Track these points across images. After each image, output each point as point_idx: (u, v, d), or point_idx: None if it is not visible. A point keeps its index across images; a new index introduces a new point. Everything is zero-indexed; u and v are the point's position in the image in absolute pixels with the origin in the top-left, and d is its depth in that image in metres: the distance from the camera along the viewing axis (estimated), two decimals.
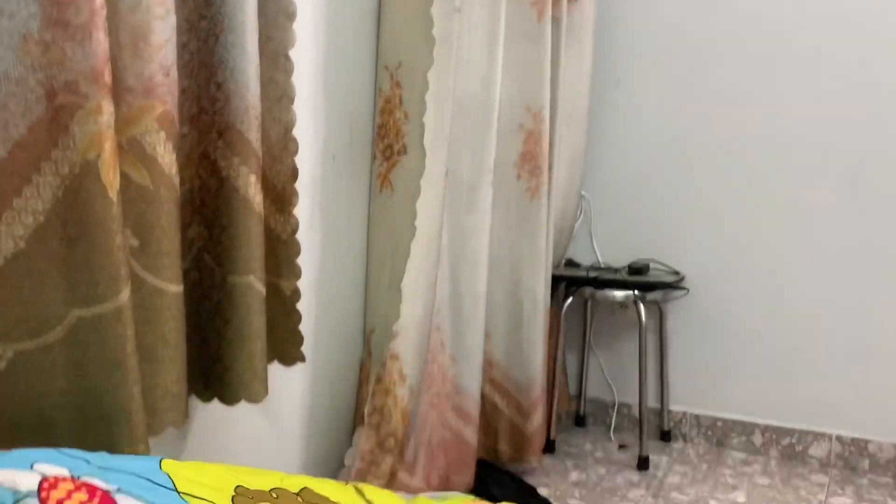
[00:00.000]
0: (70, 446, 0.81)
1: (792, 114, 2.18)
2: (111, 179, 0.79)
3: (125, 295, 0.81)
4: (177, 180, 0.92)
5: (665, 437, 2.41)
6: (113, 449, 0.81)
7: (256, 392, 1.07)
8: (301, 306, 1.27)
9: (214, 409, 1.30)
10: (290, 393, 1.53)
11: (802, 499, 1.99)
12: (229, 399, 1.07)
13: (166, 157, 0.90)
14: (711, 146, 2.30)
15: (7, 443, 0.79)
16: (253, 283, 1.04)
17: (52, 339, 0.79)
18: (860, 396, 2.14)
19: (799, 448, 2.23)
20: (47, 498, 0.60)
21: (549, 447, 2.33)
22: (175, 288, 0.93)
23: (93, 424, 0.81)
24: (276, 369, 1.46)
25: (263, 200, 1.16)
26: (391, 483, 1.71)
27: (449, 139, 1.65)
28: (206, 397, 1.12)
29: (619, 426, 2.51)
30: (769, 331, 2.25)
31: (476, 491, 1.97)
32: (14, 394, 0.78)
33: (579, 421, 2.56)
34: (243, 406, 1.38)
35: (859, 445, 2.15)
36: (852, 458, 2.16)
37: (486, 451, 2.15)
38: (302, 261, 1.27)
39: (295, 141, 1.17)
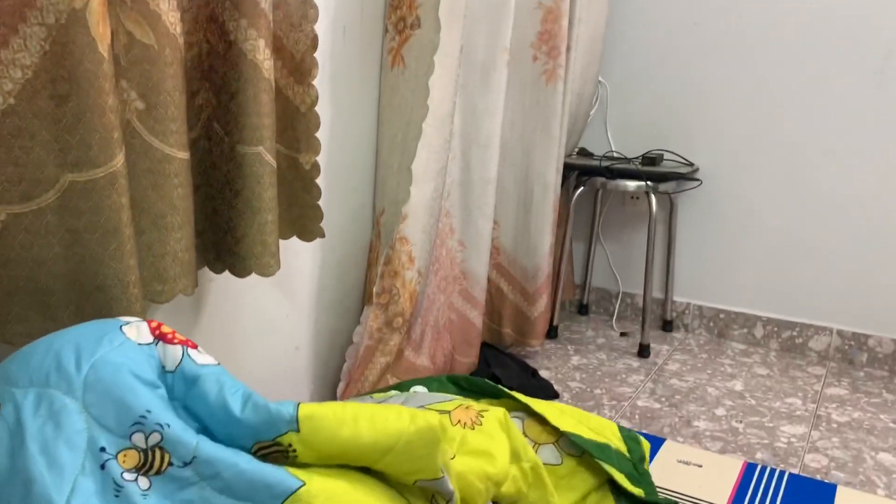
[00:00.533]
0: (66, 316, 0.81)
1: (820, 1, 2.08)
2: (101, 32, 0.75)
3: (119, 161, 0.79)
4: (182, 41, 0.88)
5: (667, 326, 2.44)
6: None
7: (267, 265, 1.07)
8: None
9: (227, 281, 1.31)
10: (301, 270, 1.53)
11: (799, 388, 2.04)
12: (240, 271, 1.07)
13: (170, 15, 0.86)
14: (733, 33, 2.20)
15: (6, 311, 0.79)
16: (262, 154, 1.02)
17: (45, 203, 0.77)
18: (864, 292, 2.15)
19: (799, 341, 2.26)
20: None
21: (552, 333, 2.37)
22: (182, 154, 0.90)
23: (89, 295, 0.81)
24: (287, 243, 1.46)
25: (281, 71, 1.11)
26: (398, 360, 1.74)
27: (465, 13, 1.57)
28: (217, 269, 1.12)
29: (621, 315, 2.55)
30: (778, 224, 2.23)
31: (479, 372, 2.02)
32: (8, 259, 0.77)
33: (582, 309, 2.60)
34: (255, 280, 1.39)
35: (859, 340, 2.18)
36: (851, 352, 2.19)
37: (490, 334, 2.19)
38: None
39: (315, 8, 1.12)
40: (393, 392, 1.32)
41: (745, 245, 2.30)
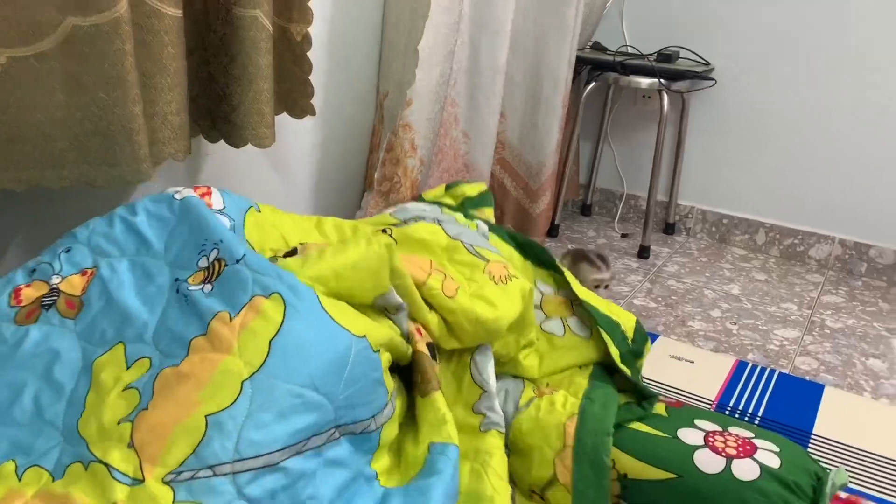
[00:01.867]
0: (68, 164, 0.79)
1: None
2: None
3: (123, 6, 0.75)
4: None
5: (669, 229, 2.43)
6: (114, 167, 0.80)
7: (263, 136, 1.04)
8: (312, 57, 1.20)
9: (225, 157, 1.29)
10: (301, 148, 1.51)
11: (795, 294, 2.04)
12: (236, 140, 1.04)
13: None
14: None
15: (6, 157, 0.77)
16: (259, 17, 0.97)
17: (47, 47, 0.74)
18: (869, 202, 2.13)
19: (800, 249, 2.25)
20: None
21: (553, 231, 2.36)
22: (174, 11, 0.86)
23: (94, 142, 0.79)
24: (287, 122, 1.43)
25: None
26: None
27: None
28: (212, 137, 1.09)
29: (624, 217, 2.53)
30: (789, 131, 2.18)
31: None
32: (10, 104, 0.75)
33: (585, 210, 2.58)
34: (255, 153, 1.36)
35: (860, 250, 2.17)
36: (851, 262, 2.19)
37: None
38: (314, 6, 1.18)
39: None
40: (459, 217, 1.35)
41: (753, 150, 2.25)
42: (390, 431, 0.81)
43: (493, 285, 1.06)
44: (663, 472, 0.91)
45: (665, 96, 2.08)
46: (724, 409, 1.31)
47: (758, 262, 2.26)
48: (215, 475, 0.63)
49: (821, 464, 0.96)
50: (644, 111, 2.40)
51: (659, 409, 1.01)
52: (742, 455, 0.91)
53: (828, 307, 1.98)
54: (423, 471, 0.78)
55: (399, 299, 0.91)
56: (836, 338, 1.81)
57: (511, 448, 0.99)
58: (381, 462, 0.78)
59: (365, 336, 0.76)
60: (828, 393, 1.38)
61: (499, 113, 1.93)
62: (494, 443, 0.92)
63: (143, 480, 0.62)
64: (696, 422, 0.98)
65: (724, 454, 0.91)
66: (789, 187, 2.23)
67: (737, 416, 1.29)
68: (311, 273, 0.81)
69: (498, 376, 1.08)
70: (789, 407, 1.33)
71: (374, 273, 0.85)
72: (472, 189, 1.61)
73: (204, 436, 0.63)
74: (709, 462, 0.90)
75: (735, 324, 1.85)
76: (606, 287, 1.15)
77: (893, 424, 1.29)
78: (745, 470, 0.89)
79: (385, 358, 0.80)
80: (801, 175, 2.20)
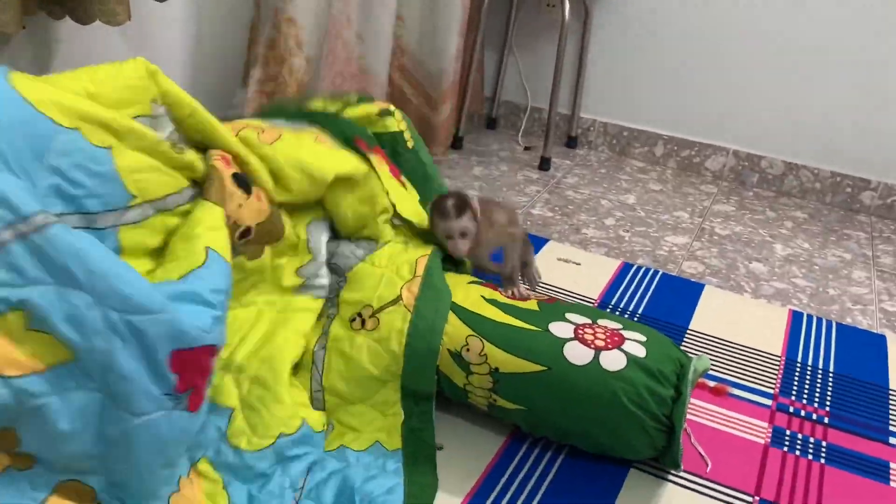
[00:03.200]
0: None
1: None
2: None
3: None
4: None
5: (571, 143, 2.43)
6: None
7: (113, 12, 0.95)
8: None
9: (82, 37, 1.17)
10: (170, 44, 1.40)
11: (688, 203, 2.08)
12: (81, 15, 0.95)
13: None
14: None
15: None
16: None
17: None
18: (762, 113, 2.17)
19: (696, 160, 2.29)
20: None
21: (457, 144, 2.32)
22: None
23: None
24: (151, 12, 1.32)
25: None
26: None
27: None
28: (56, 14, 0.99)
29: (528, 131, 2.51)
30: (689, 43, 2.18)
31: None
32: None
33: (491, 123, 2.54)
34: (113, 46, 1.25)
35: (753, 160, 2.22)
36: (744, 173, 2.24)
37: None
38: None
39: None
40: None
41: (653, 62, 2.25)
42: (149, 239, 0.83)
43: (321, 145, 1.09)
44: (534, 364, 0.91)
45: (567, 3, 2.04)
46: (605, 307, 1.33)
47: (655, 173, 2.29)
48: None
49: (688, 354, 0.98)
50: (548, 20, 2.36)
51: (531, 304, 1.01)
52: (610, 346, 0.91)
53: (718, 215, 2.03)
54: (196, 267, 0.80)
55: (168, 124, 0.91)
56: (723, 244, 1.86)
57: (357, 275, 1.06)
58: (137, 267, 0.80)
59: (78, 129, 0.74)
60: (707, 291, 1.42)
61: (395, 14, 1.85)
62: (307, 305, 1.02)
63: None
64: (568, 315, 0.98)
65: (592, 346, 0.91)
66: (687, 99, 2.25)
67: (617, 313, 1.31)
68: (66, 84, 0.78)
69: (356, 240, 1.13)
70: (669, 305, 1.36)
71: (130, 89, 0.83)
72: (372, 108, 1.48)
73: None
74: (578, 354, 0.91)
75: (627, 231, 1.88)
76: (463, 237, 1.03)
77: (764, 320, 1.34)
78: (612, 360, 0.90)
79: (131, 158, 0.79)
80: (698, 87, 2.22)
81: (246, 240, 0.97)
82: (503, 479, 0.92)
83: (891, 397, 1.15)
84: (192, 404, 0.72)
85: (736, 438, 1.03)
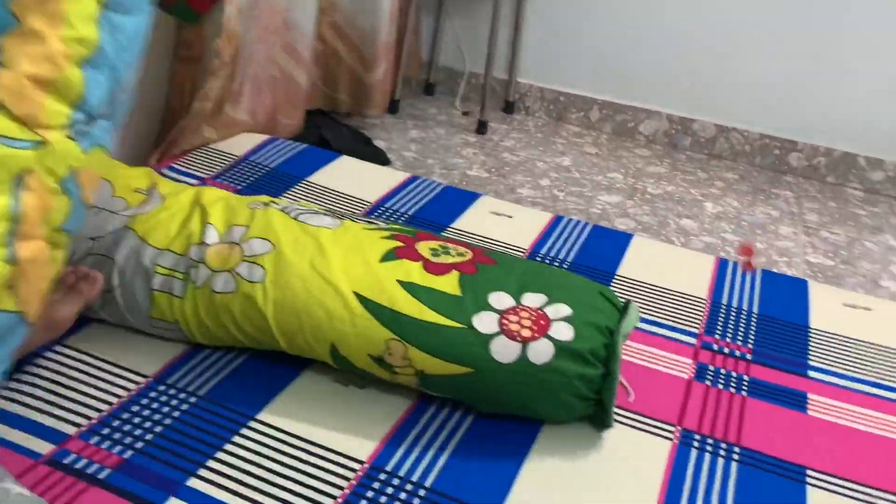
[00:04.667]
0: None
1: None
2: None
3: None
4: None
5: (509, 108, 2.42)
6: None
7: None
8: None
9: None
10: None
11: (622, 166, 2.10)
12: None
13: None
14: None
15: None
16: None
17: None
18: (694, 77, 2.19)
19: (631, 125, 2.31)
20: None
21: (394, 108, 2.29)
22: None
23: None
24: None
25: None
26: (216, 113, 1.61)
27: None
28: None
29: (466, 96, 2.49)
30: (627, 9, 2.19)
31: (306, 137, 1.92)
32: None
33: (429, 89, 2.52)
34: None
35: (685, 124, 2.25)
36: (677, 136, 2.27)
37: (325, 100, 2.08)
38: None
39: None
40: None
41: (590, 27, 2.25)
42: None
43: None
44: (460, 367, 0.87)
45: None
46: (535, 256, 1.32)
47: (590, 137, 2.30)
48: None
49: (617, 300, 0.97)
50: None
51: (451, 282, 0.94)
52: (537, 334, 0.88)
53: (651, 176, 2.05)
54: None
55: None
56: (655, 202, 1.88)
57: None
58: None
59: None
60: (635, 241, 1.42)
61: None
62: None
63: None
64: (491, 299, 0.92)
65: (519, 338, 0.87)
66: (622, 64, 2.26)
67: (547, 262, 1.31)
68: None
69: None
70: (598, 254, 1.36)
71: None
72: None
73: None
74: (505, 351, 0.87)
75: (562, 191, 1.88)
76: None
77: (691, 267, 1.35)
78: (541, 352, 0.86)
79: None
80: (633, 53, 2.23)
81: None
82: (422, 421, 0.90)
83: (810, 335, 1.17)
84: None
85: (660, 374, 1.04)
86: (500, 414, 0.92)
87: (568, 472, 0.86)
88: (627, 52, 2.23)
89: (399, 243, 1.01)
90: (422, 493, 0.80)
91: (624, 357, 1.06)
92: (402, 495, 0.80)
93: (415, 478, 0.82)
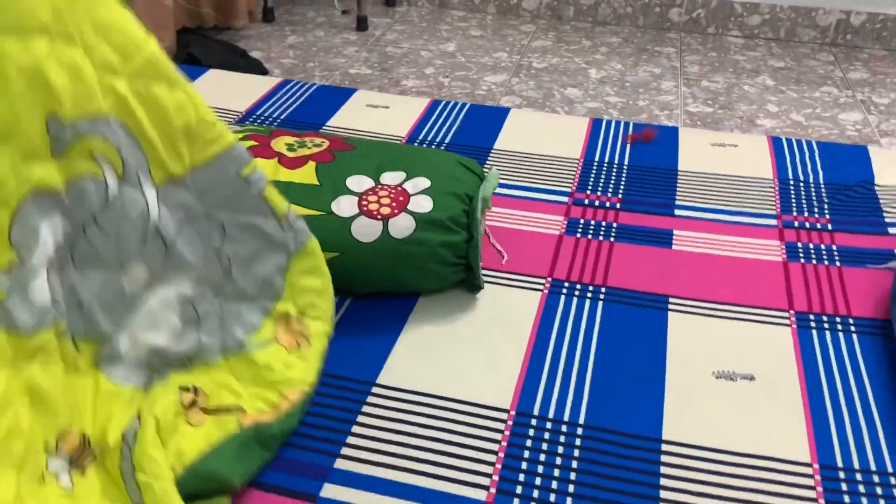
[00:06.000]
0: None
1: None
2: None
3: None
4: None
5: (390, 1, 2.35)
6: None
7: None
8: None
9: None
10: None
11: (508, 45, 2.08)
12: None
13: None
14: None
15: None
16: None
17: None
18: None
19: (514, 2, 2.27)
20: None
21: (268, 16, 2.20)
22: None
23: None
24: None
25: None
26: None
27: None
28: None
29: None
30: None
31: (177, 57, 1.85)
32: None
33: None
34: None
35: None
36: (560, 7, 2.25)
37: (190, 17, 1.98)
38: None
39: None
40: None
41: None
42: None
43: None
44: (326, 252, 0.87)
45: None
46: (412, 143, 1.32)
47: (475, 20, 2.26)
48: None
49: (477, 167, 0.98)
50: None
51: (309, 173, 0.93)
52: (396, 210, 0.89)
53: (536, 51, 2.04)
54: None
55: None
56: (540, 76, 1.88)
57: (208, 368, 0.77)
58: None
59: None
60: (512, 114, 1.43)
61: None
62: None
63: None
64: (349, 182, 0.92)
65: (379, 216, 0.88)
66: None
67: (425, 146, 1.31)
68: None
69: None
70: (475, 132, 1.36)
71: None
72: None
73: None
74: (366, 231, 0.87)
75: (447, 77, 1.86)
76: None
77: (566, 131, 1.37)
78: (401, 227, 0.87)
79: None
80: None
81: None
82: None
83: (678, 177, 1.21)
84: None
85: (533, 234, 1.07)
86: (378, 293, 0.94)
87: (442, 335, 0.89)
88: None
89: (253, 142, 1.00)
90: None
91: (497, 223, 1.09)
92: None
93: None
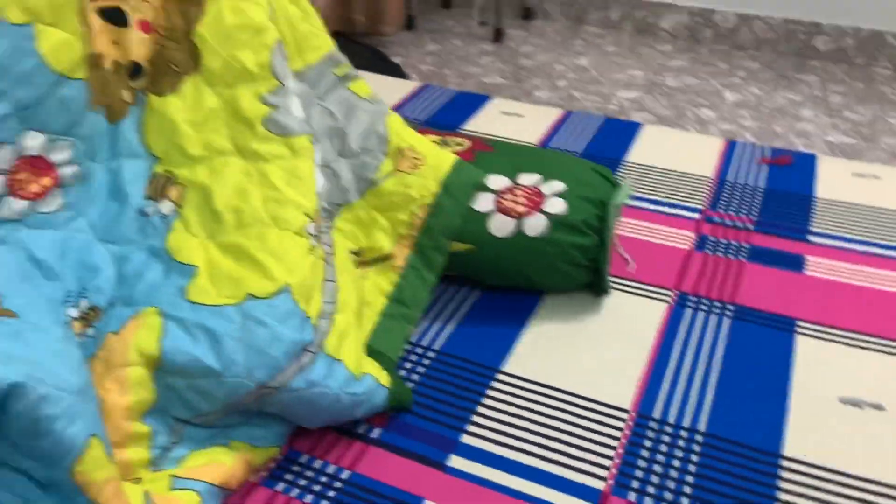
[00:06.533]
0: None
1: None
2: None
3: None
4: None
5: (527, 14, 2.41)
6: None
7: None
8: None
9: None
10: None
11: (643, 62, 2.09)
12: None
13: None
14: None
15: None
16: None
17: None
18: None
19: (651, 21, 2.28)
20: None
21: (410, 24, 2.31)
22: None
23: None
24: None
25: None
26: None
27: None
28: None
29: (484, 6, 2.48)
30: None
31: None
32: None
33: (446, 2, 2.51)
34: None
35: (706, 16, 2.21)
36: (698, 29, 2.23)
37: (341, 22, 2.11)
38: None
39: None
40: None
41: None
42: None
43: None
44: (460, 244, 0.93)
45: None
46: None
47: (611, 37, 2.28)
48: None
49: (610, 174, 1.01)
50: None
51: (444, 164, 0.97)
52: (532, 210, 0.93)
53: (671, 70, 2.04)
54: None
55: None
56: (674, 95, 1.88)
57: (352, 209, 0.96)
58: None
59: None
60: (645, 129, 1.44)
61: None
62: (276, 150, 0.84)
63: None
64: (487, 180, 0.97)
65: (514, 214, 0.93)
66: None
67: None
68: None
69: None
70: (606, 143, 1.39)
71: None
72: None
73: None
74: (501, 227, 0.92)
75: (579, 90, 1.89)
76: None
77: (699, 149, 1.37)
78: (535, 226, 0.92)
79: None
80: None
81: (139, 79, 0.85)
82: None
83: (814, 203, 1.19)
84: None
85: (662, 247, 1.08)
86: (505, 287, 0.99)
87: (567, 334, 0.92)
88: None
89: None
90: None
91: (626, 233, 1.11)
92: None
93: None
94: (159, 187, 0.83)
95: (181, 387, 0.69)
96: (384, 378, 0.79)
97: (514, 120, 1.49)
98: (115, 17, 0.84)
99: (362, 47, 2.05)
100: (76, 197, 0.78)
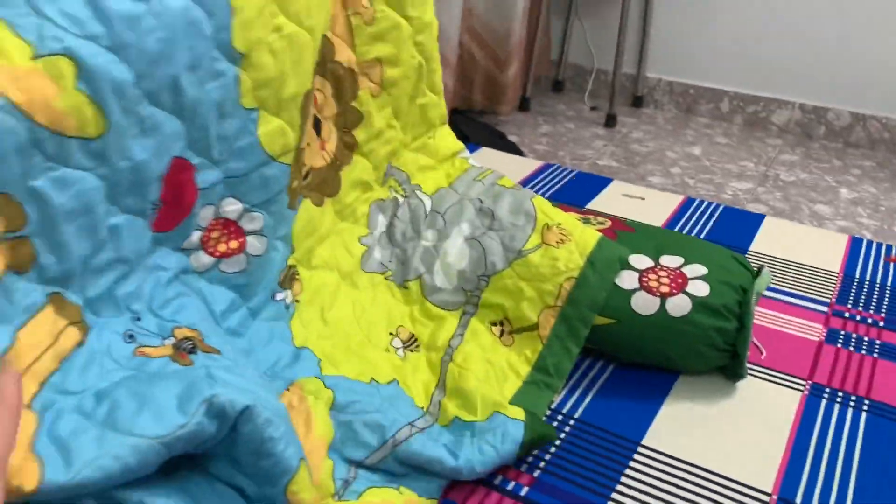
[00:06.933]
0: None
1: None
2: None
3: None
4: None
5: (637, 102, 2.49)
6: None
7: None
8: None
9: None
10: None
11: (754, 155, 2.12)
12: None
13: None
14: None
15: None
16: None
17: None
18: (827, 65, 2.18)
19: (762, 115, 2.32)
20: None
21: (524, 105, 2.42)
22: None
23: None
24: None
25: None
26: None
27: None
28: None
29: (594, 93, 2.58)
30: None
31: None
32: None
33: (557, 86, 2.62)
34: None
35: (819, 113, 2.24)
36: (810, 125, 2.26)
37: (461, 100, 2.24)
38: None
39: None
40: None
41: (717, 18, 2.29)
42: None
43: None
44: (603, 318, 0.99)
45: None
46: None
47: (721, 129, 2.33)
48: None
49: (749, 264, 1.05)
50: None
51: (590, 239, 1.03)
52: (675, 290, 0.98)
53: (783, 164, 2.06)
54: None
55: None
56: (787, 189, 1.90)
57: (502, 279, 1.03)
58: None
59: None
60: (767, 221, 1.48)
61: None
62: (372, 280, 1.04)
63: None
64: (631, 259, 1.03)
65: (657, 294, 0.97)
66: (751, 55, 2.28)
67: None
68: None
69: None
70: (730, 232, 1.43)
71: None
72: None
73: None
74: (644, 304, 0.97)
75: (692, 178, 1.94)
76: None
77: (823, 244, 1.39)
78: (678, 306, 0.96)
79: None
80: (761, 42, 2.25)
81: (305, 182, 0.98)
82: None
83: None
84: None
85: (792, 337, 1.10)
86: (641, 364, 1.02)
87: (702, 414, 0.95)
88: (757, 41, 2.25)
89: None
90: (572, 423, 0.92)
91: (756, 321, 1.14)
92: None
93: (565, 410, 0.94)
94: (287, 277, 0.92)
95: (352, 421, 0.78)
96: (515, 412, 0.86)
97: (636, 203, 1.55)
98: (315, 124, 0.98)
99: (481, 125, 2.16)
100: (257, 266, 0.87)
